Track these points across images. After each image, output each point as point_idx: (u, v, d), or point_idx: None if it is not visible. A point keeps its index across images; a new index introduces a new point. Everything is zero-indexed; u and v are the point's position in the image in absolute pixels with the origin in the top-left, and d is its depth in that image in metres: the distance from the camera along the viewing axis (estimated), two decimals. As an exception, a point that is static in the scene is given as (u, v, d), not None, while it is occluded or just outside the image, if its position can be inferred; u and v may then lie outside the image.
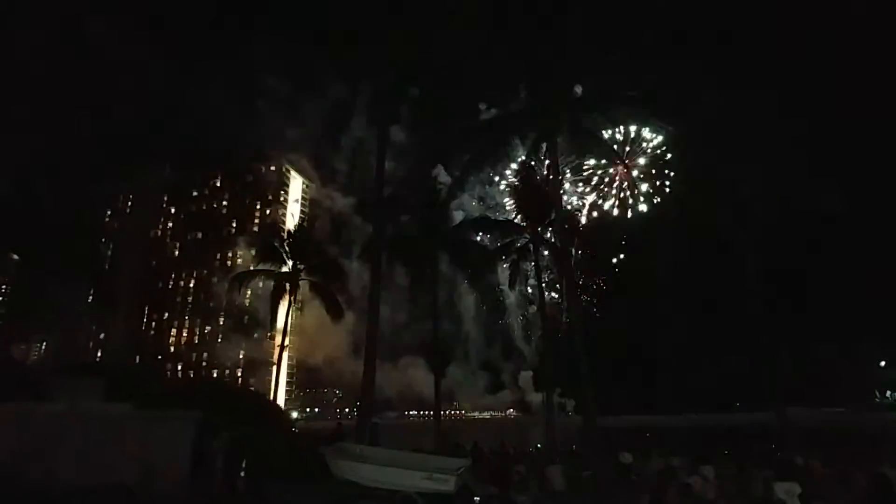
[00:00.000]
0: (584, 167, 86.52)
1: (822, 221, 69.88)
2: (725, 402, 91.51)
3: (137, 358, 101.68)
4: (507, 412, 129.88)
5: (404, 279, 25.84)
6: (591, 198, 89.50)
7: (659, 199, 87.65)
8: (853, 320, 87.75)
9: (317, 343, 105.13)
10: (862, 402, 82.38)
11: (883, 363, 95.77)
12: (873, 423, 50.58)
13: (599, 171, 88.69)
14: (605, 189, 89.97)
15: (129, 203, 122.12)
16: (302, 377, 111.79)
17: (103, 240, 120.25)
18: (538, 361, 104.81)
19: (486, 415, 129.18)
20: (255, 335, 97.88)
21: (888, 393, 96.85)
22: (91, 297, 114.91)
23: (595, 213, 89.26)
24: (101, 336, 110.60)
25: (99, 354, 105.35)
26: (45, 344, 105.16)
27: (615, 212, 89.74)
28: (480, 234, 30.83)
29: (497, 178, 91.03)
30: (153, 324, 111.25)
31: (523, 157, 30.67)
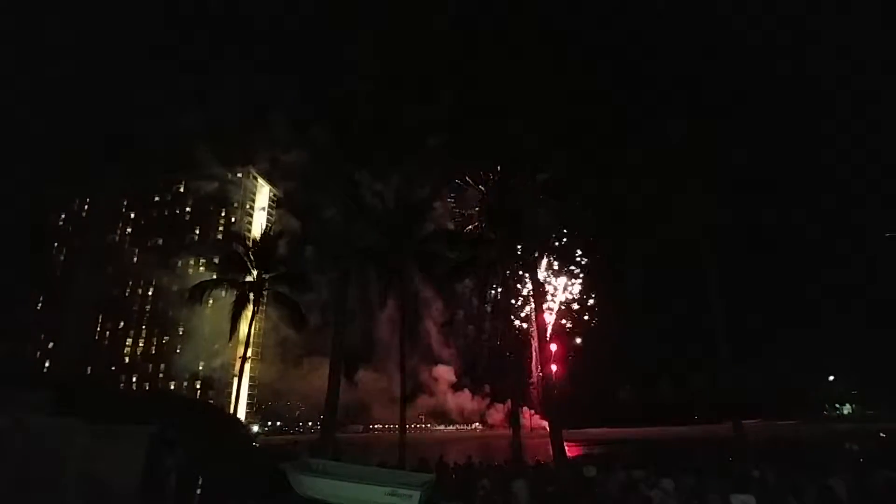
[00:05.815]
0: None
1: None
2: (685, 415, 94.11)
3: (89, 369, 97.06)
4: (473, 426, 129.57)
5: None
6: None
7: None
8: (805, 337, 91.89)
9: (278, 353, 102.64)
10: (811, 415, 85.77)
11: (832, 378, 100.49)
12: (822, 436, 52.89)
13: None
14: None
15: (86, 206, 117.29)
16: (264, 389, 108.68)
17: (56, 244, 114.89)
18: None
19: (452, 428, 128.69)
20: (216, 346, 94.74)
21: (836, 406, 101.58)
22: (40, 304, 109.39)
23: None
24: (50, 345, 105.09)
25: (47, 365, 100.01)
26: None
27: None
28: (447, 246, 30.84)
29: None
30: (107, 333, 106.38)
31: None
